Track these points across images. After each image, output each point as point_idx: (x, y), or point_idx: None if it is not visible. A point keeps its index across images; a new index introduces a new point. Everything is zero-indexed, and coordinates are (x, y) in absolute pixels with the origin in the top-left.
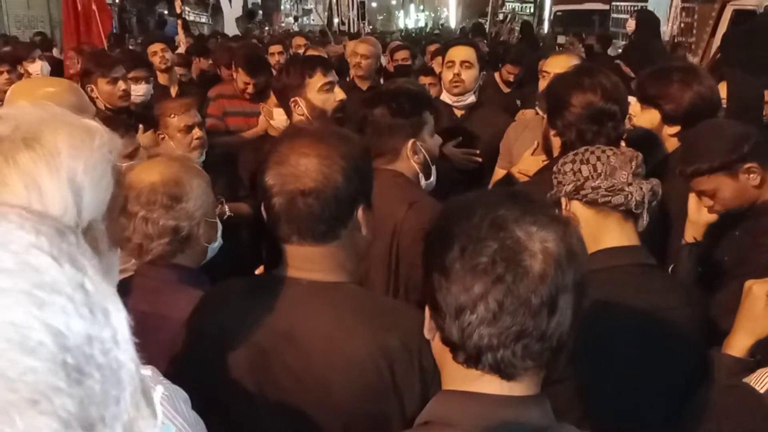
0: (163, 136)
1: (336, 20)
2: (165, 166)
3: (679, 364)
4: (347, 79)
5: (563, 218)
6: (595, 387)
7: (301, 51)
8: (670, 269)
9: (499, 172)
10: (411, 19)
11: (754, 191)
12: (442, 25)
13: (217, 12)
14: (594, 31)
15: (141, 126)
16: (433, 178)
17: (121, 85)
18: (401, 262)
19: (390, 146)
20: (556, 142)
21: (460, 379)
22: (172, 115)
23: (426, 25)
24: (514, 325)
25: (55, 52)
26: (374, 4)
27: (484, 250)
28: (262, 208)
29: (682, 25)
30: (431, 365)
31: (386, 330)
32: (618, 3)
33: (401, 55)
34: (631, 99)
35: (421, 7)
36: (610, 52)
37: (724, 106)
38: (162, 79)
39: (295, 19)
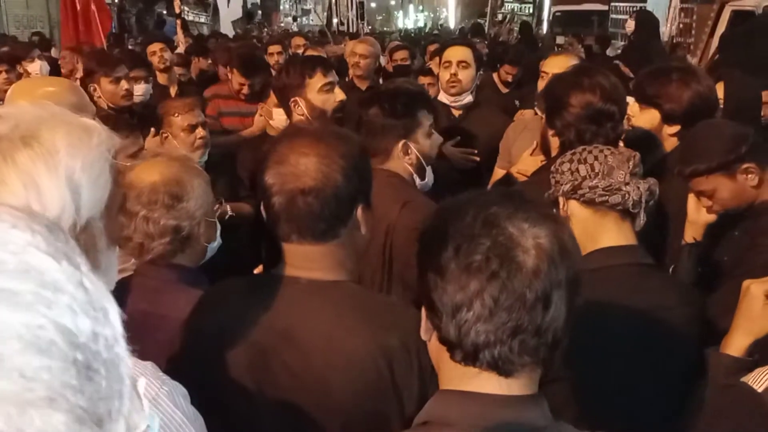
0: (166, 135)
1: (335, 20)
2: (165, 165)
3: (676, 364)
4: (346, 79)
5: (555, 215)
6: (592, 386)
7: (300, 51)
8: (670, 270)
9: (498, 172)
10: (410, 20)
11: (752, 191)
12: (441, 25)
13: (216, 12)
14: (593, 31)
15: (153, 129)
16: (428, 179)
17: (124, 84)
18: (395, 261)
19: (382, 146)
20: (555, 142)
21: (458, 378)
22: (176, 114)
23: (425, 25)
24: (509, 321)
25: (54, 52)
26: (373, 5)
27: (478, 248)
28: (262, 208)
29: (681, 25)
30: (430, 365)
31: (386, 329)
32: (617, 3)
33: (400, 55)
34: (629, 99)
35: (420, 8)
36: (609, 52)
37: (722, 106)
38: (161, 78)
39: (294, 19)
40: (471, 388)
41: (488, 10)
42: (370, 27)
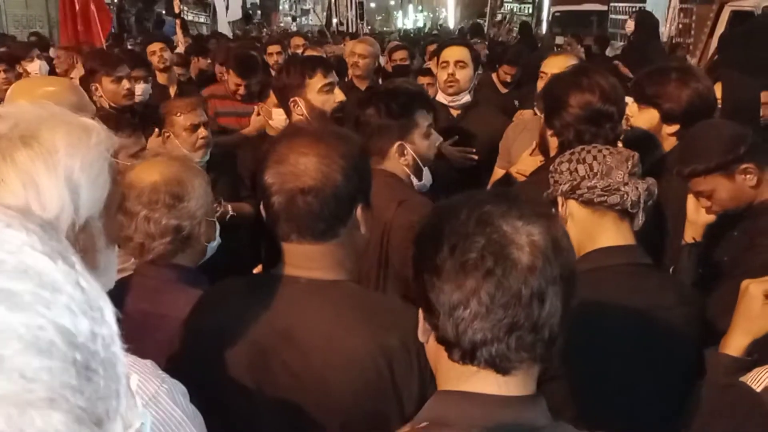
0: (168, 134)
1: (334, 20)
2: (166, 165)
3: (675, 363)
4: (345, 79)
5: (548, 213)
6: (591, 386)
7: (299, 51)
8: (671, 270)
9: (498, 172)
10: (409, 20)
11: (750, 192)
12: (440, 25)
13: (216, 12)
14: (592, 31)
15: (156, 129)
16: (425, 180)
17: (125, 84)
18: (391, 260)
19: (378, 147)
20: (553, 142)
21: (456, 377)
22: (178, 114)
23: (424, 25)
24: (506, 318)
25: (53, 51)
26: (373, 5)
27: (473, 246)
28: (261, 207)
29: (681, 26)
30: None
31: (385, 329)
32: (616, 4)
33: (399, 55)
34: (628, 99)
35: (420, 8)
36: (608, 52)
37: (720, 107)
38: (161, 78)
39: (294, 19)
40: (469, 387)
41: (487, 10)
42: (369, 27)
